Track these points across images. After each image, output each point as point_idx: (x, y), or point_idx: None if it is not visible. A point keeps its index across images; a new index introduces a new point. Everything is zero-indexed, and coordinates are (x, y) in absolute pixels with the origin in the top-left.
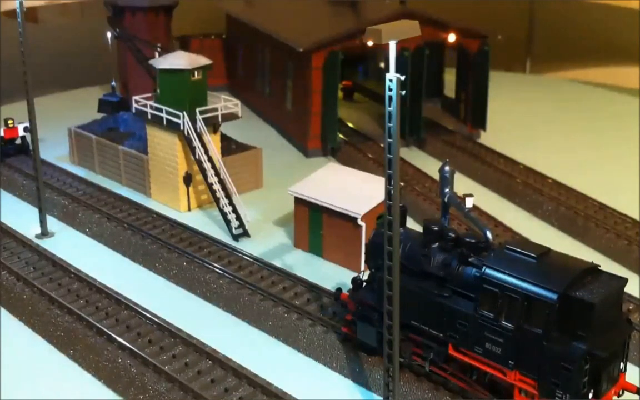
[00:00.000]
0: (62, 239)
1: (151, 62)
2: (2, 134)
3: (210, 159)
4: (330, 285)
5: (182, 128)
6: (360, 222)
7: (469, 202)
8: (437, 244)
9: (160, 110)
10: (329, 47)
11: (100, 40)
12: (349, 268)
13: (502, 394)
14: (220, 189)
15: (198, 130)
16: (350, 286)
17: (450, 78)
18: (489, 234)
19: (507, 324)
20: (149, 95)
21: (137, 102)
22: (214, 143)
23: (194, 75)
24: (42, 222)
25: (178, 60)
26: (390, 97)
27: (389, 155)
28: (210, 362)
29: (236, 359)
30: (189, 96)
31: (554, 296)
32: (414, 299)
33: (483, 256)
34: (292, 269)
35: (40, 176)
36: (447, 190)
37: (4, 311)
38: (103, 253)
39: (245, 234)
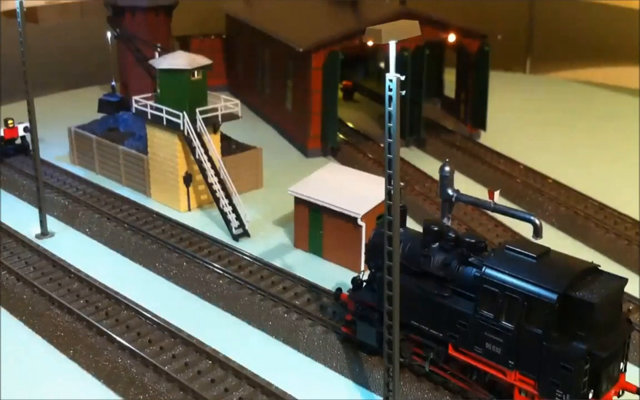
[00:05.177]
0: (62, 239)
1: (151, 62)
2: (2, 134)
3: (210, 159)
4: (330, 285)
5: (182, 128)
6: (360, 222)
7: (497, 196)
8: (437, 244)
9: (160, 110)
10: (329, 47)
11: (100, 40)
12: (349, 268)
13: (502, 394)
14: (220, 189)
15: (198, 130)
16: (350, 286)
17: (450, 78)
18: (535, 220)
19: (507, 324)
20: (149, 95)
21: (137, 102)
22: (214, 143)
23: (194, 75)
24: (42, 222)
25: (178, 60)
26: (390, 97)
27: (389, 155)
28: (210, 362)
29: (236, 359)
30: (189, 96)
31: (554, 296)
32: (414, 299)
33: (483, 256)
34: (292, 269)
35: (40, 176)
36: (450, 191)
37: (4, 311)
38: (103, 253)
39: (245, 234)
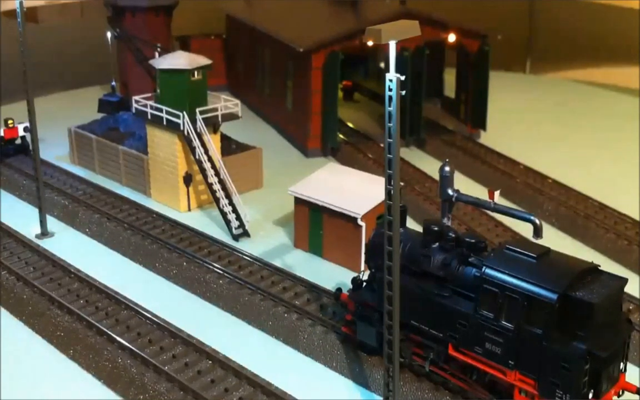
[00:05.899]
0: (62, 239)
1: (151, 62)
2: (2, 134)
3: (210, 159)
4: (330, 285)
5: (182, 128)
6: (360, 222)
7: (497, 196)
8: (437, 244)
9: (160, 110)
10: (329, 47)
11: (100, 40)
12: (349, 268)
13: (502, 394)
14: (220, 189)
15: (198, 130)
16: (350, 286)
17: (450, 78)
18: (535, 220)
19: (507, 324)
20: (149, 95)
21: (137, 102)
22: (214, 143)
23: (194, 75)
24: (42, 222)
25: (178, 60)
26: (390, 97)
27: (389, 155)
28: (210, 362)
29: (236, 359)
30: (189, 96)
31: (554, 296)
32: (414, 299)
33: (483, 256)
34: (292, 269)
35: (40, 176)
36: (450, 191)
37: (4, 311)
38: (103, 253)
39: (245, 234)
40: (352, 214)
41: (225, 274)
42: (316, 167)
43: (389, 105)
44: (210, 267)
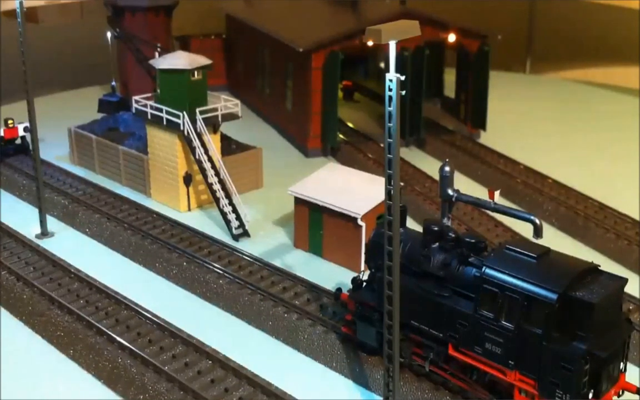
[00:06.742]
0: (62, 239)
1: (151, 62)
2: (2, 134)
3: (210, 159)
4: (330, 285)
5: (182, 128)
6: (360, 222)
7: (497, 196)
8: (437, 244)
9: (160, 110)
10: (329, 47)
11: (100, 40)
12: (349, 268)
13: (502, 394)
14: (220, 189)
15: (198, 130)
16: (350, 286)
17: (450, 78)
18: (535, 220)
19: (507, 324)
20: (149, 95)
21: (137, 102)
22: (214, 143)
23: (194, 75)
24: (42, 222)
25: (178, 60)
26: (390, 97)
27: (389, 155)
28: (210, 362)
29: (236, 359)
30: (189, 96)
31: (554, 296)
32: (414, 299)
33: (483, 256)
34: (292, 269)
35: (40, 176)
36: (450, 191)
37: (4, 311)
38: (103, 253)
39: (245, 234)
40: (352, 214)
41: (225, 274)
42: (316, 167)
43: (389, 105)
44: (210, 267)
